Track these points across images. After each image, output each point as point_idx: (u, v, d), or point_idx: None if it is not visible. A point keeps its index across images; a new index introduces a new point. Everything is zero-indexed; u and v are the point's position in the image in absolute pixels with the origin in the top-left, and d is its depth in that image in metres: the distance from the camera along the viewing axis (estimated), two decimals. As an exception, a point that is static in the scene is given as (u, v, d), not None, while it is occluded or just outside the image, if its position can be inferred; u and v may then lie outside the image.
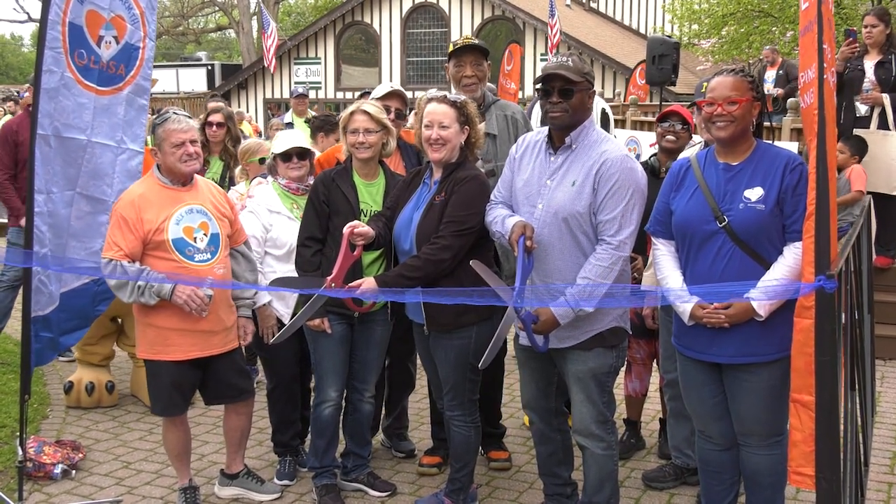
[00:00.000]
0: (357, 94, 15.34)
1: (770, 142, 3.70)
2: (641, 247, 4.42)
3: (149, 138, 4.79)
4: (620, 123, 12.41)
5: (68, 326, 4.67)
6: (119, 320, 6.04)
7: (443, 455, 4.96)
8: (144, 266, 4.12)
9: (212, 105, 7.55)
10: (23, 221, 6.30)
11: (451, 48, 4.85)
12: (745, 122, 3.54)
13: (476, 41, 4.85)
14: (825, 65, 2.54)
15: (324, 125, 7.06)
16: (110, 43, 4.64)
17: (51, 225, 4.46)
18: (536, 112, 5.46)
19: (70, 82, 4.44)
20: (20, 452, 4.37)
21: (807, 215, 2.66)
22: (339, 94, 26.96)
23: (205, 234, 4.24)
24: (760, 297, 3.32)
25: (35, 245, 4.40)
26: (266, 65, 20.01)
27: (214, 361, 4.33)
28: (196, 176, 4.37)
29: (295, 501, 4.60)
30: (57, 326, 4.59)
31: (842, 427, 2.92)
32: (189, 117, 4.30)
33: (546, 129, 3.89)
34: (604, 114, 5.46)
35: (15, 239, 6.66)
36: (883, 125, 7.44)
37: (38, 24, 4.33)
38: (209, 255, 4.23)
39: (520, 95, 12.18)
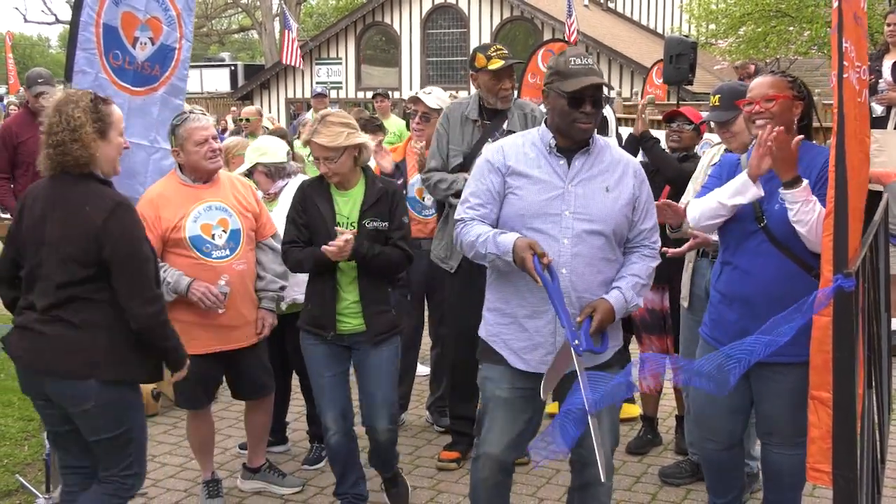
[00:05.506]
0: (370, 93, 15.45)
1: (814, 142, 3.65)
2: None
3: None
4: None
5: None
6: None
7: (461, 450, 4.97)
8: (164, 263, 4.15)
9: (246, 110, 7.53)
10: None
11: (481, 60, 4.80)
12: (785, 119, 3.47)
13: (510, 56, 4.82)
14: (845, 64, 2.52)
15: (366, 126, 7.07)
16: (145, 44, 4.66)
17: None
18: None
19: (105, 83, 4.47)
20: (47, 446, 4.40)
21: (825, 213, 2.64)
22: (360, 94, 27.00)
23: (224, 231, 4.25)
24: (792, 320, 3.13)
25: None
26: (288, 62, 19.98)
27: (237, 357, 4.34)
28: (220, 171, 4.38)
29: (316, 495, 4.61)
30: None
31: (859, 424, 2.90)
32: (204, 114, 4.32)
33: (530, 133, 3.57)
34: (603, 119, 5.47)
35: None
36: None
37: (66, 26, 4.37)
38: (228, 252, 4.24)
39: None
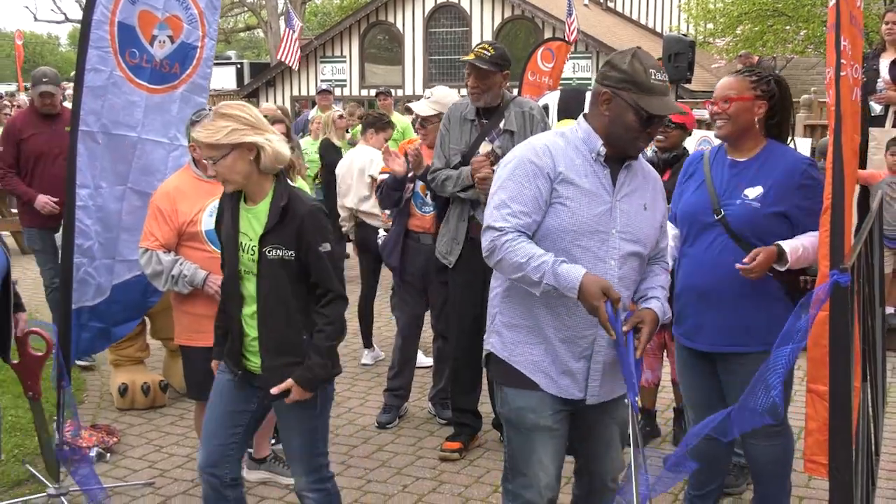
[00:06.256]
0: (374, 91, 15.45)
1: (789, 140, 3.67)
2: None
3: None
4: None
5: (121, 317, 4.72)
6: (145, 319, 5.93)
7: (463, 441, 4.97)
8: (178, 256, 4.15)
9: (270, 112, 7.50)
10: (39, 202, 6.22)
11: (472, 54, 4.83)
12: (743, 120, 3.50)
13: (485, 56, 4.72)
14: (843, 61, 2.51)
15: (375, 122, 7.07)
16: (164, 42, 4.64)
17: (99, 219, 4.50)
18: (552, 105, 5.46)
19: (120, 81, 4.46)
20: (57, 436, 4.41)
21: (822, 209, 2.64)
22: (364, 92, 26.98)
23: None
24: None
25: (79, 238, 4.44)
26: (285, 60, 19.87)
27: None
28: None
29: (320, 485, 4.61)
30: (109, 317, 4.61)
31: (855, 417, 2.89)
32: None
33: (570, 134, 3.04)
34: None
35: (41, 245, 6.41)
36: None
37: (76, 25, 4.37)
38: None
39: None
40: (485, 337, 3.20)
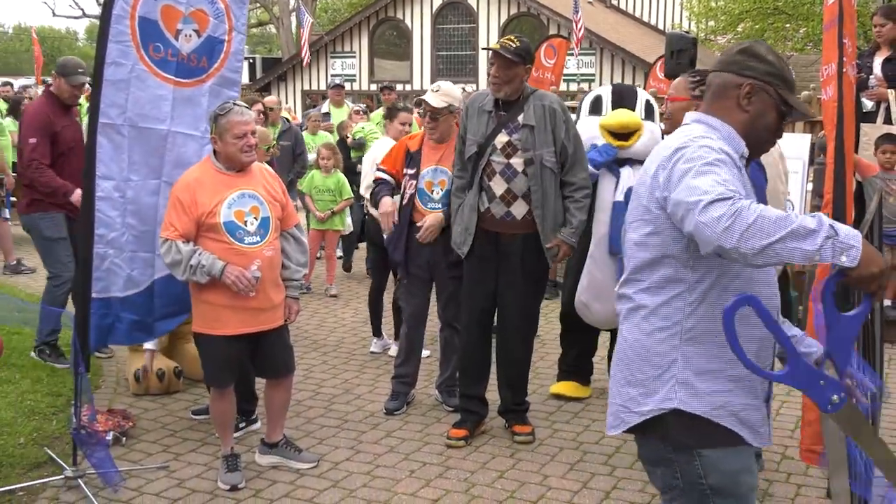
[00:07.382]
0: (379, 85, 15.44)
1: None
2: None
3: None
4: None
5: (166, 312, 4.70)
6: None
7: (469, 428, 4.97)
8: (197, 246, 4.16)
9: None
10: (77, 196, 6.11)
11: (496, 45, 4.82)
12: (678, 118, 3.50)
13: (509, 46, 4.70)
14: (845, 59, 2.49)
15: (387, 114, 7.13)
16: (190, 36, 4.59)
17: (133, 211, 4.50)
18: (605, 97, 5.49)
19: (143, 74, 4.43)
20: (74, 420, 4.42)
21: (824, 203, 2.63)
22: (373, 86, 26.96)
23: (255, 218, 4.25)
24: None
25: (101, 228, 4.42)
26: (302, 57, 19.87)
27: (264, 338, 4.37)
28: None
29: (330, 470, 4.61)
30: (148, 310, 4.61)
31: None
32: (248, 107, 4.31)
33: (717, 131, 2.45)
34: (648, 105, 5.42)
35: (64, 232, 6.13)
36: (888, 120, 7.32)
37: (92, 20, 4.34)
38: (258, 238, 4.25)
39: (552, 89, 11.69)
40: (638, 394, 2.51)
